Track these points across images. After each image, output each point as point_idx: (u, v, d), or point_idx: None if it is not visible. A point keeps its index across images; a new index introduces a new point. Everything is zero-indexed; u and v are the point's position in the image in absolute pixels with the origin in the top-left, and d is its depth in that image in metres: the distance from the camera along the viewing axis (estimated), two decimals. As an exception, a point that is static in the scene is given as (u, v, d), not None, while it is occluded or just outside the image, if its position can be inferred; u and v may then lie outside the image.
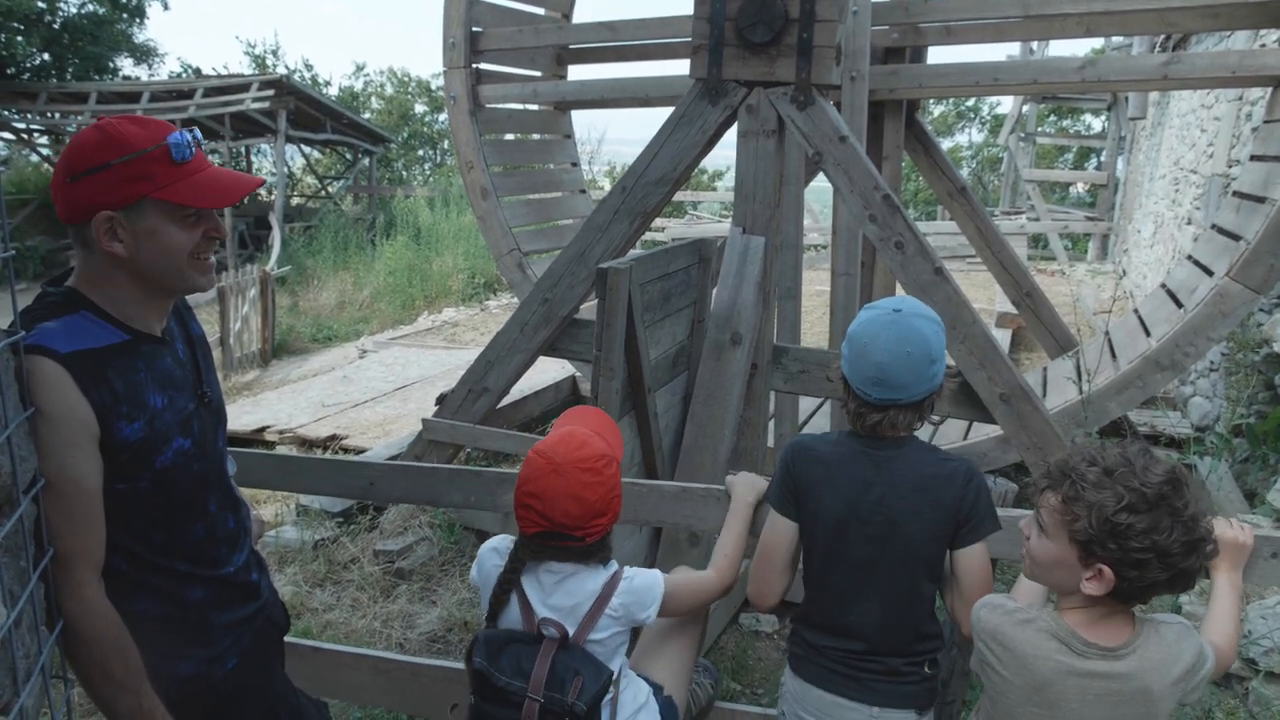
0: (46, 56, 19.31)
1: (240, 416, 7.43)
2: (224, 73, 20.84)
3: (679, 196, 18.50)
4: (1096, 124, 23.65)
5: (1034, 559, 1.61)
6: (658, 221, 16.43)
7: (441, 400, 5.09)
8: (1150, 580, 1.49)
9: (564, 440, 1.82)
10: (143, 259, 1.60)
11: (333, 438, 6.76)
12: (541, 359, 4.77)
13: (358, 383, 8.63)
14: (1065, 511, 1.53)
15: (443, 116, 24.03)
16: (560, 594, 1.82)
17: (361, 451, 6.19)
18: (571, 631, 1.79)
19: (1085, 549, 1.51)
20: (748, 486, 2.16)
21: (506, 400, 5.45)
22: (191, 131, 1.65)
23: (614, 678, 1.79)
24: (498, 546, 1.92)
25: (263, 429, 7.05)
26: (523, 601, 1.83)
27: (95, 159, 1.54)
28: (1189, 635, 1.59)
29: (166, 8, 21.65)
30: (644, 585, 1.88)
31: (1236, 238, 4.60)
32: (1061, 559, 1.55)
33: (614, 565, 1.89)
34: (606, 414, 2.08)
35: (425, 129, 26.51)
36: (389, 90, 26.94)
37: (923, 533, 1.85)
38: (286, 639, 2.12)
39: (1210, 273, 4.68)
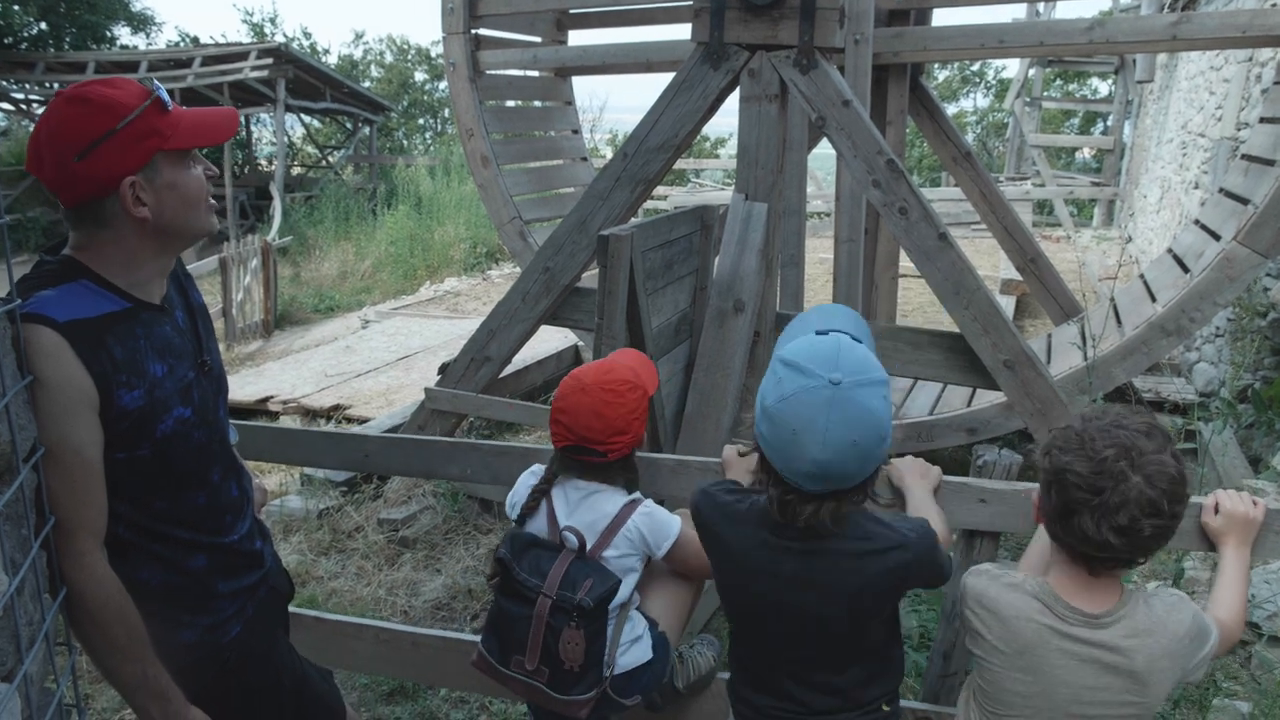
0: (44, 26, 19.15)
1: (243, 387, 7.45)
2: (222, 41, 20.66)
3: (681, 164, 18.36)
4: (1103, 88, 23.40)
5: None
6: (660, 190, 16.34)
7: (444, 370, 5.09)
8: (1083, 534, 1.47)
9: (598, 366, 2.04)
10: (166, 215, 1.59)
11: (336, 408, 6.78)
12: (544, 328, 4.76)
13: (360, 353, 8.64)
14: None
15: (443, 84, 23.83)
16: (583, 509, 2.00)
17: (365, 421, 6.20)
18: (590, 544, 1.96)
19: (1043, 493, 1.56)
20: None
21: (509, 369, 5.45)
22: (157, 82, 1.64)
23: (619, 584, 1.94)
24: (535, 470, 2.13)
25: (266, 399, 7.07)
26: (550, 512, 2.02)
27: (97, 128, 1.50)
28: (1181, 607, 1.58)
29: (163, -25, 21.41)
30: (663, 520, 2.03)
31: (1244, 201, 4.55)
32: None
33: (637, 494, 2.06)
34: (646, 357, 2.22)
35: (425, 97, 26.32)
36: (388, 58, 26.72)
37: (859, 630, 1.62)
38: (289, 609, 2.13)
39: (1217, 237, 4.63)
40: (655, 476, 2.28)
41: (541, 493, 2.05)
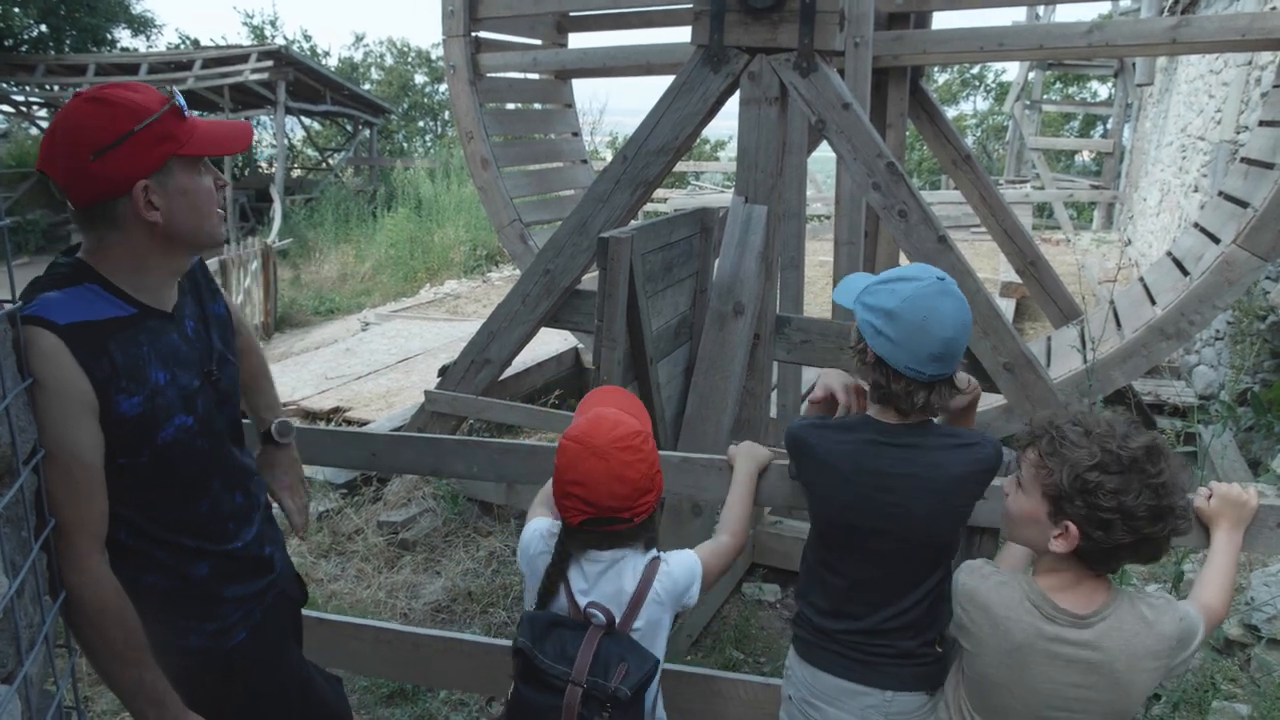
0: (44, 28, 19.16)
1: (243, 389, 7.44)
2: (222, 44, 20.69)
3: (681, 167, 18.38)
4: (1103, 91, 23.42)
5: (1009, 515, 1.64)
6: (660, 193, 16.37)
7: (444, 372, 5.09)
8: (1115, 543, 1.49)
9: (596, 423, 1.78)
10: (177, 220, 1.59)
11: (336, 410, 6.78)
12: (544, 331, 4.76)
13: (360, 355, 8.64)
14: (1041, 465, 1.55)
15: (443, 87, 23.83)
16: (605, 581, 1.79)
17: (365, 424, 6.20)
18: (619, 618, 1.76)
19: (1056, 505, 1.53)
20: (748, 456, 2.13)
21: (509, 372, 5.45)
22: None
23: (657, 665, 1.76)
24: (542, 531, 1.89)
25: (266, 402, 7.06)
26: (568, 590, 1.80)
27: (117, 129, 1.50)
28: (1168, 610, 1.57)
29: (163, -22, 21.45)
30: (683, 570, 1.85)
31: (1244, 204, 4.56)
32: (1034, 515, 1.57)
33: (654, 551, 1.85)
34: (627, 391, 2.05)
35: (426, 100, 26.34)
36: (389, 61, 26.73)
37: (945, 531, 1.80)
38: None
39: (1217, 240, 4.64)
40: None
41: (558, 574, 1.81)
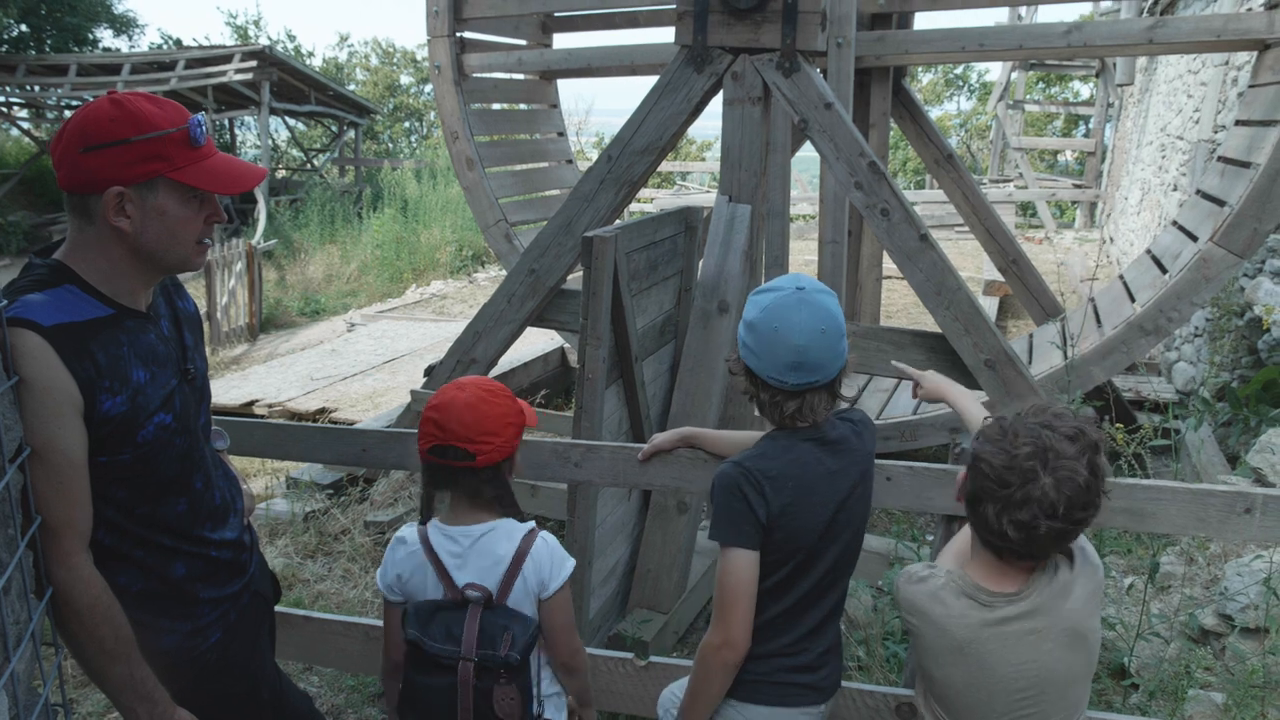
0: (24, 28, 19.01)
1: (229, 390, 7.43)
2: (205, 44, 20.56)
3: (667, 167, 18.42)
4: (1085, 91, 23.60)
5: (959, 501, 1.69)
6: (646, 193, 16.40)
7: (430, 372, 5.09)
8: (985, 521, 1.54)
9: (474, 376, 1.97)
10: (147, 236, 1.61)
11: (322, 411, 6.77)
12: (530, 331, 4.77)
13: (346, 356, 8.63)
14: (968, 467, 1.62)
15: (429, 88, 23.80)
16: (475, 556, 1.85)
17: (351, 424, 6.19)
18: (495, 593, 1.83)
19: (969, 505, 1.61)
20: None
21: (495, 372, 5.45)
22: (202, 118, 1.66)
23: (538, 625, 1.84)
24: (404, 536, 1.93)
25: (251, 403, 7.05)
26: (440, 572, 1.85)
27: (114, 133, 1.54)
28: (1085, 555, 1.64)
29: (144, -23, 21.33)
30: (562, 554, 1.89)
31: (1221, 203, 4.62)
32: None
33: (529, 525, 1.90)
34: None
35: (411, 100, 26.28)
36: (374, 61, 26.67)
37: (866, 512, 1.91)
38: (278, 608, 2.14)
39: (1194, 238, 4.70)
40: (646, 468, 2.31)
41: (427, 509, 1.90)
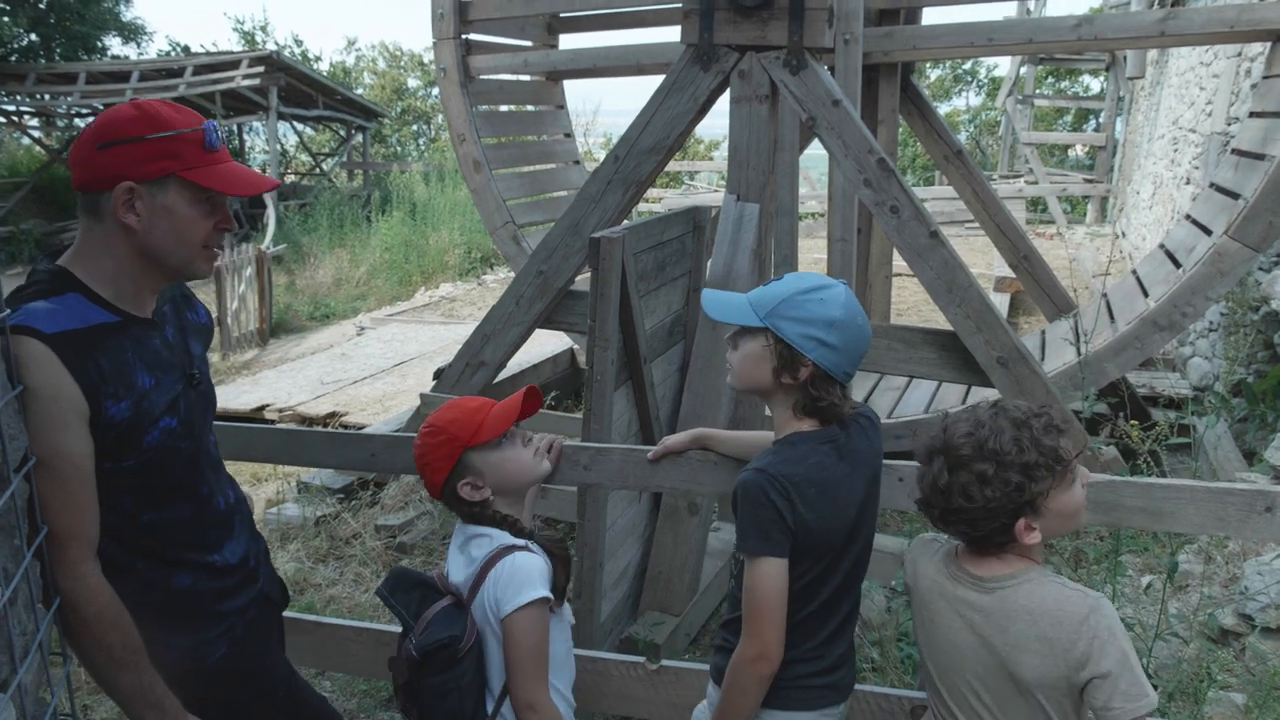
0: (34, 37, 19.12)
1: (239, 395, 7.45)
2: (213, 50, 20.66)
3: (675, 167, 18.39)
4: (1095, 85, 23.46)
5: None
6: (654, 192, 16.37)
7: (439, 375, 5.08)
8: (937, 502, 1.58)
9: (450, 403, 2.00)
10: (154, 236, 1.61)
11: (332, 415, 6.78)
12: (540, 332, 4.76)
13: (356, 360, 8.64)
14: None
15: (436, 91, 23.83)
16: (462, 555, 1.92)
17: (361, 428, 6.19)
18: (465, 593, 1.85)
19: None
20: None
21: (504, 374, 5.45)
22: (217, 125, 1.68)
23: (456, 638, 1.78)
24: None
25: (262, 407, 7.06)
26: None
27: (129, 131, 1.57)
28: (1075, 601, 1.49)
29: (153, -16, 21.42)
30: (524, 576, 1.79)
31: (1235, 196, 4.57)
32: None
33: (511, 543, 1.86)
34: (491, 402, 2.03)
35: (419, 103, 26.32)
36: (381, 65, 26.73)
37: (876, 513, 1.89)
38: (288, 614, 2.13)
39: (1208, 232, 4.65)
40: (655, 469, 2.29)
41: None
